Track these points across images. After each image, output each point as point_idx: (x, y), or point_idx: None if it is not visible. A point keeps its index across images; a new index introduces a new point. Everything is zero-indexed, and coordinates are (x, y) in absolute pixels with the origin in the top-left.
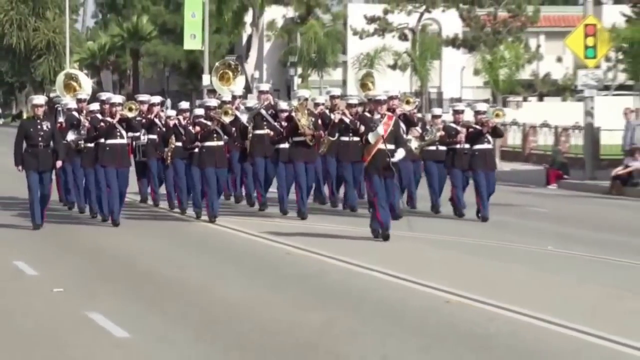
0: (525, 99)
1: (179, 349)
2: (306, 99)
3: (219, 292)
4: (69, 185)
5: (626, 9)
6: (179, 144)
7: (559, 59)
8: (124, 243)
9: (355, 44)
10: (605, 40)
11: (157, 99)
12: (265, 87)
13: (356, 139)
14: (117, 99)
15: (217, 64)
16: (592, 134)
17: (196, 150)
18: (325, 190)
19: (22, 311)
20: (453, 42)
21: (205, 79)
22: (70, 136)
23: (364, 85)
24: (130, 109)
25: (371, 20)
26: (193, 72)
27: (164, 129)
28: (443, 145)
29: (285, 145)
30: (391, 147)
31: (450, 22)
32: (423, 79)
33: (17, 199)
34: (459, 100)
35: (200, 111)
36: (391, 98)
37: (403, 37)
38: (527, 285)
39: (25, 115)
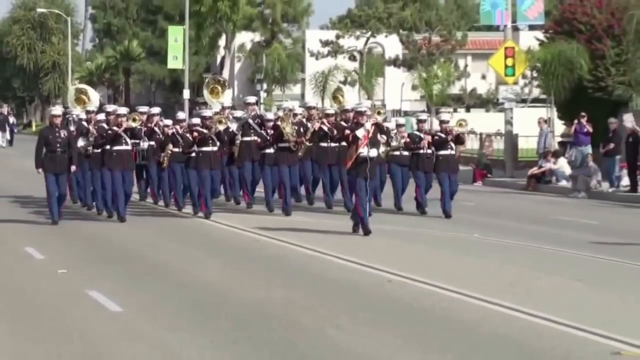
0: (455, 110)
1: (164, 321)
2: (290, 110)
3: (198, 273)
4: (82, 186)
5: (539, 34)
6: (177, 150)
7: (484, 77)
8: (121, 234)
9: (312, 64)
10: (522, 61)
11: (156, 110)
12: (252, 99)
13: (333, 144)
14: (122, 110)
15: (207, 79)
16: (511, 139)
17: (193, 154)
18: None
19: (31, 289)
20: (394, 62)
21: (186, 93)
22: (80, 143)
23: (335, 98)
24: (135, 120)
25: (325, 43)
26: (175, 88)
27: (162, 137)
28: (408, 151)
29: (271, 151)
30: (372, 150)
31: (392, 46)
32: (369, 93)
33: (33, 197)
34: (399, 112)
35: (196, 120)
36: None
37: (352, 58)
38: (457, 267)
39: (34, 125)
